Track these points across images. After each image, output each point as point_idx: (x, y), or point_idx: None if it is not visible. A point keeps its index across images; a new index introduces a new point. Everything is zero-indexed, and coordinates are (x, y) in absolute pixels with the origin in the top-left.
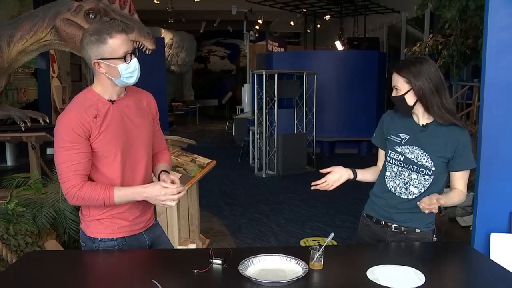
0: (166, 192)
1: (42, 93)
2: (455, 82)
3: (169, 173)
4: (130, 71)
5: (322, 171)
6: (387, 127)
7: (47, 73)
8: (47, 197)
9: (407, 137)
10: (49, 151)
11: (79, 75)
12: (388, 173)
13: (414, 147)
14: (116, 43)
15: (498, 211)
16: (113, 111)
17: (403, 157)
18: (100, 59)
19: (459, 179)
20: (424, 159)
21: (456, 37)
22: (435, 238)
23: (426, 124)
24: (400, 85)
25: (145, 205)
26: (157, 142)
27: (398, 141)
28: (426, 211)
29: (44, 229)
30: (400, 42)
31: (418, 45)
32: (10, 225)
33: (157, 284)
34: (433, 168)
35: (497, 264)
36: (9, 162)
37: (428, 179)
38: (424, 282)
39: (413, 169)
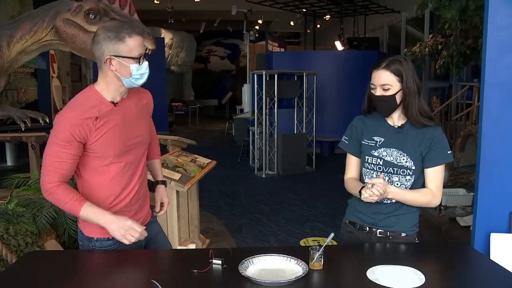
0: (131, 233)
1: (42, 93)
2: (455, 82)
3: (165, 184)
4: (141, 72)
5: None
6: (361, 132)
7: (47, 73)
8: None
9: (382, 139)
10: None
11: (79, 75)
12: (367, 179)
13: (391, 149)
14: (134, 43)
15: (498, 211)
16: (115, 113)
17: (382, 160)
18: (114, 55)
19: (431, 177)
20: (403, 159)
21: (456, 37)
22: (417, 240)
23: (402, 125)
24: (392, 83)
25: (142, 202)
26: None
27: (373, 145)
28: (366, 195)
29: (44, 229)
30: (400, 42)
31: (418, 45)
32: (10, 225)
33: (157, 284)
34: (414, 168)
35: (497, 264)
36: (9, 162)
37: (409, 179)
38: (424, 282)
39: (394, 171)
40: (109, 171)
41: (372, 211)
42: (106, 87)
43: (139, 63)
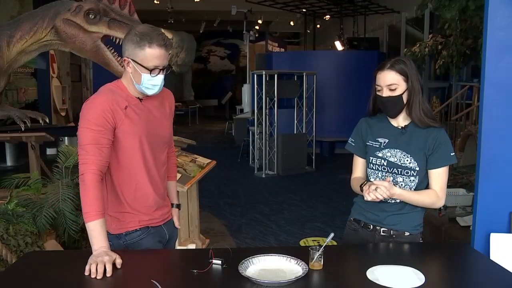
0: (98, 266)
1: (42, 93)
2: (455, 82)
3: (179, 207)
4: (152, 83)
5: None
6: (366, 134)
7: (47, 73)
8: (47, 197)
9: (386, 141)
10: (49, 151)
11: (79, 75)
12: (372, 180)
13: (395, 150)
14: (151, 54)
15: (497, 211)
16: (141, 108)
17: (386, 161)
18: (131, 59)
19: (435, 178)
20: (407, 160)
21: (456, 37)
22: (421, 240)
23: (405, 126)
24: (398, 82)
25: (162, 200)
26: (170, 143)
27: (377, 146)
28: (369, 198)
29: (43, 229)
30: (400, 42)
31: (418, 45)
32: (10, 225)
33: (157, 284)
34: (417, 168)
35: (497, 264)
36: (9, 162)
37: (414, 180)
38: (424, 282)
39: (398, 172)
40: (131, 165)
41: (377, 209)
42: (127, 85)
43: (150, 74)
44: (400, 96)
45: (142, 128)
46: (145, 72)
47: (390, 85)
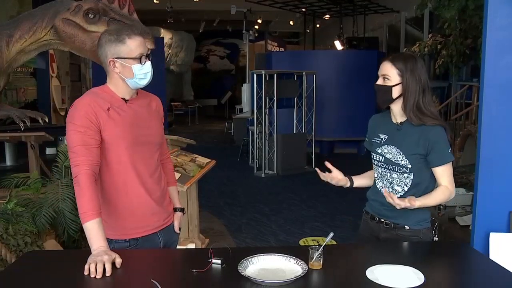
0: (98, 266)
1: (41, 93)
2: (454, 81)
3: (183, 211)
4: (144, 72)
5: (327, 165)
6: (372, 131)
7: (46, 73)
8: (46, 197)
9: (386, 137)
10: (48, 150)
11: (78, 75)
12: (376, 175)
13: (391, 147)
14: (133, 44)
15: (497, 210)
16: (126, 108)
17: (383, 157)
18: (116, 58)
19: (441, 174)
20: (399, 157)
21: (456, 37)
22: (436, 238)
23: (401, 122)
24: (392, 75)
25: (159, 205)
26: (163, 147)
27: (378, 142)
28: (397, 206)
29: (43, 229)
30: (400, 42)
31: (417, 44)
32: (9, 225)
33: (157, 284)
34: (410, 166)
35: (496, 263)
36: (8, 162)
37: (408, 177)
38: (424, 282)
39: (393, 168)
40: (120, 167)
41: (378, 202)
42: (115, 88)
43: (140, 63)
44: (389, 87)
45: (127, 129)
46: (134, 63)
47: (384, 75)
